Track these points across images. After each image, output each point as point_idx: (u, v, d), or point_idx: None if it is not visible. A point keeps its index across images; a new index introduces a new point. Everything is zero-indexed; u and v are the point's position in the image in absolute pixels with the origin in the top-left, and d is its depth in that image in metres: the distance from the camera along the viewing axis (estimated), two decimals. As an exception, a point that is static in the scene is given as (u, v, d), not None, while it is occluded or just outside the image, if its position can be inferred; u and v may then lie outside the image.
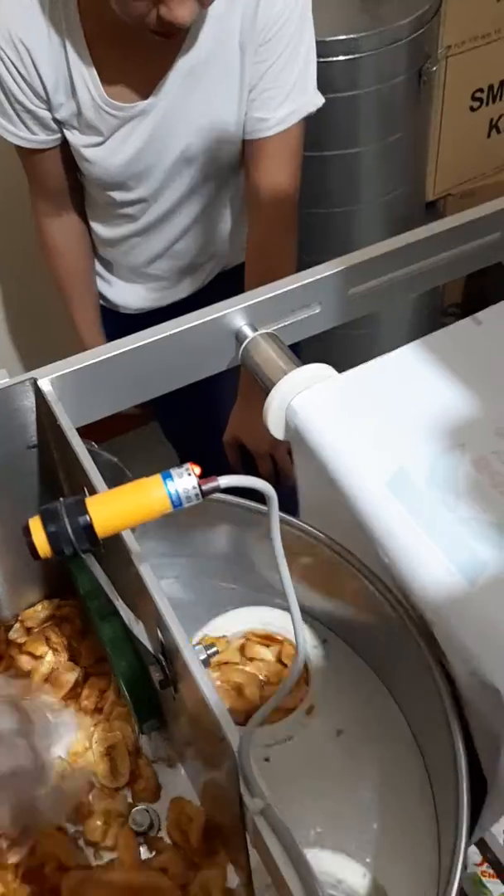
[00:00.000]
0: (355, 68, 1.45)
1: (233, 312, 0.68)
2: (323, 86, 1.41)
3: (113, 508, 0.41)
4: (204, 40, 1.10)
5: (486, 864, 0.85)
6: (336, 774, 0.62)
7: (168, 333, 0.67)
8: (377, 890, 0.56)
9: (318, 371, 0.64)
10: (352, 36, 1.41)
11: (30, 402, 0.60)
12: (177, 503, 0.42)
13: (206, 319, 0.68)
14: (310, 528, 0.64)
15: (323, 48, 1.38)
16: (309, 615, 0.69)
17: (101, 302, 1.42)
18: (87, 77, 1.12)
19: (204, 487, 0.42)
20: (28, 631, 0.70)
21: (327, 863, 0.57)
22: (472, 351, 0.63)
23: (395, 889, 0.56)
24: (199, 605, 0.71)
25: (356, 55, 1.43)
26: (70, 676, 0.67)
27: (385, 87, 1.49)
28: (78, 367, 0.63)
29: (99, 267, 1.40)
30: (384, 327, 1.80)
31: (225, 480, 0.42)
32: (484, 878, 0.94)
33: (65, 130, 1.18)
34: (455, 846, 0.50)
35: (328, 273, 0.70)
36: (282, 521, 0.61)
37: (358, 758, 0.62)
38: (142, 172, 1.19)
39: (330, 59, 1.42)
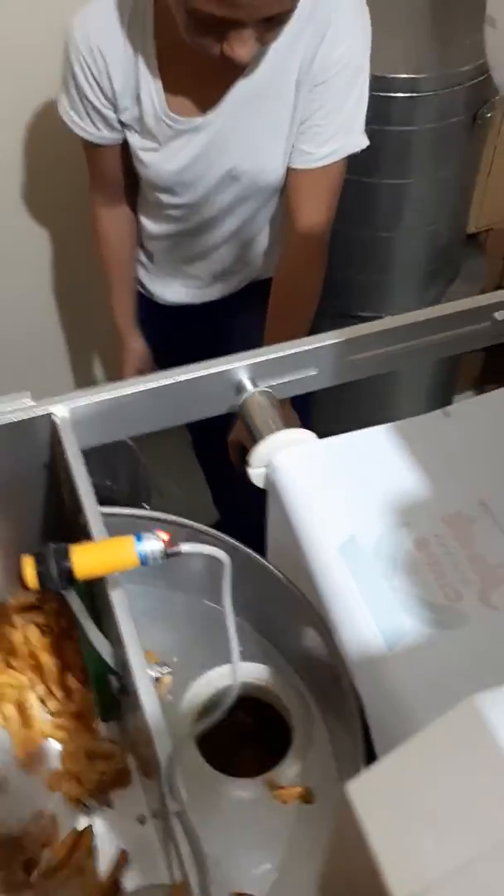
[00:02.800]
0: (413, 106, 1.50)
1: (237, 368, 0.77)
2: (380, 118, 1.47)
3: (91, 559, 0.51)
4: (264, 70, 1.17)
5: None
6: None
7: (177, 380, 0.76)
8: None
9: (300, 435, 0.73)
10: (413, 76, 1.47)
11: (47, 429, 0.70)
12: (144, 562, 0.51)
13: (212, 371, 0.77)
14: (272, 569, 0.74)
15: (384, 83, 1.45)
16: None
17: (139, 288, 1.52)
18: (152, 88, 1.20)
19: (168, 551, 0.51)
20: (19, 610, 0.80)
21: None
22: (436, 441, 0.71)
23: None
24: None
25: (416, 94, 1.49)
26: (48, 660, 0.78)
27: (440, 126, 1.55)
28: (94, 399, 0.73)
29: (143, 257, 1.49)
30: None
31: (187, 547, 0.52)
32: None
33: (126, 132, 1.26)
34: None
35: (328, 342, 0.79)
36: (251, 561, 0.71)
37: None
38: (189, 182, 1.28)
39: (390, 94, 1.48)
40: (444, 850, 0.20)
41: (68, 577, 0.51)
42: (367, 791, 0.21)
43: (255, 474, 0.74)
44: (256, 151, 1.25)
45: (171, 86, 1.20)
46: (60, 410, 0.71)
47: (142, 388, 0.75)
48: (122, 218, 1.42)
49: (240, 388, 0.78)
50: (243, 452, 1.43)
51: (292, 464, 0.72)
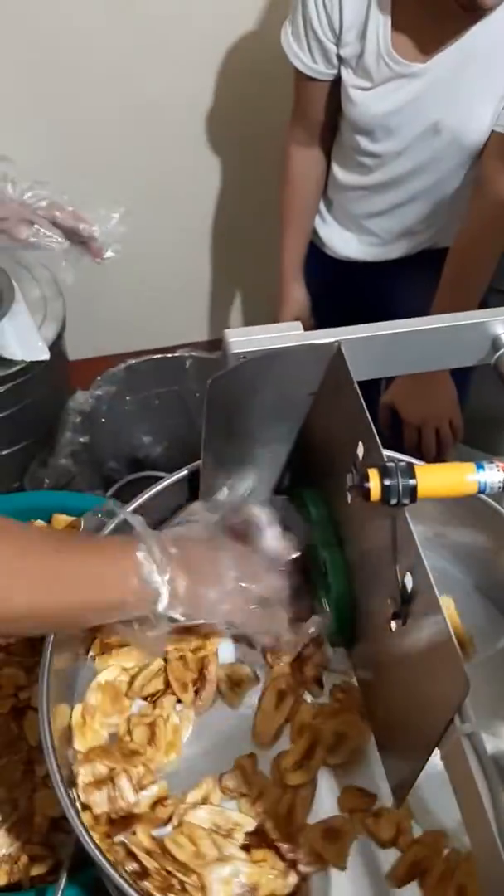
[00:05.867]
0: None
1: (496, 320, 0.78)
2: None
3: (434, 480, 0.53)
4: (494, 26, 1.16)
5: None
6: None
7: (436, 325, 0.76)
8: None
9: None
10: None
11: (324, 359, 0.72)
12: (482, 490, 0.53)
13: (469, 321, 0.77)
14: None
15: None
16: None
17: (312, 237, 1.52)
18: (380, 26, 1.19)
19: (507, 483, 0.53)
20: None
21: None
22: None
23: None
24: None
25: None
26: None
27: None
28: (365, 335, 0.74)
29: (322, 206, 1.49)
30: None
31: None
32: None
33: (342, 67, 1.26)
34: None
35: None
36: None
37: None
38: (392, 128, 1.27)
39: None
40: None
41: (411, 494, 0.53)
42: None
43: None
44: (465, 109, 1.24)
45: (400, 26, 1.19)
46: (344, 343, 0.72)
47: (401, 329, 0.76)
48: (314, 160, 1.42)
49: (496, 344, 0.78)
50: (394, 416, 1.44)
51: None
